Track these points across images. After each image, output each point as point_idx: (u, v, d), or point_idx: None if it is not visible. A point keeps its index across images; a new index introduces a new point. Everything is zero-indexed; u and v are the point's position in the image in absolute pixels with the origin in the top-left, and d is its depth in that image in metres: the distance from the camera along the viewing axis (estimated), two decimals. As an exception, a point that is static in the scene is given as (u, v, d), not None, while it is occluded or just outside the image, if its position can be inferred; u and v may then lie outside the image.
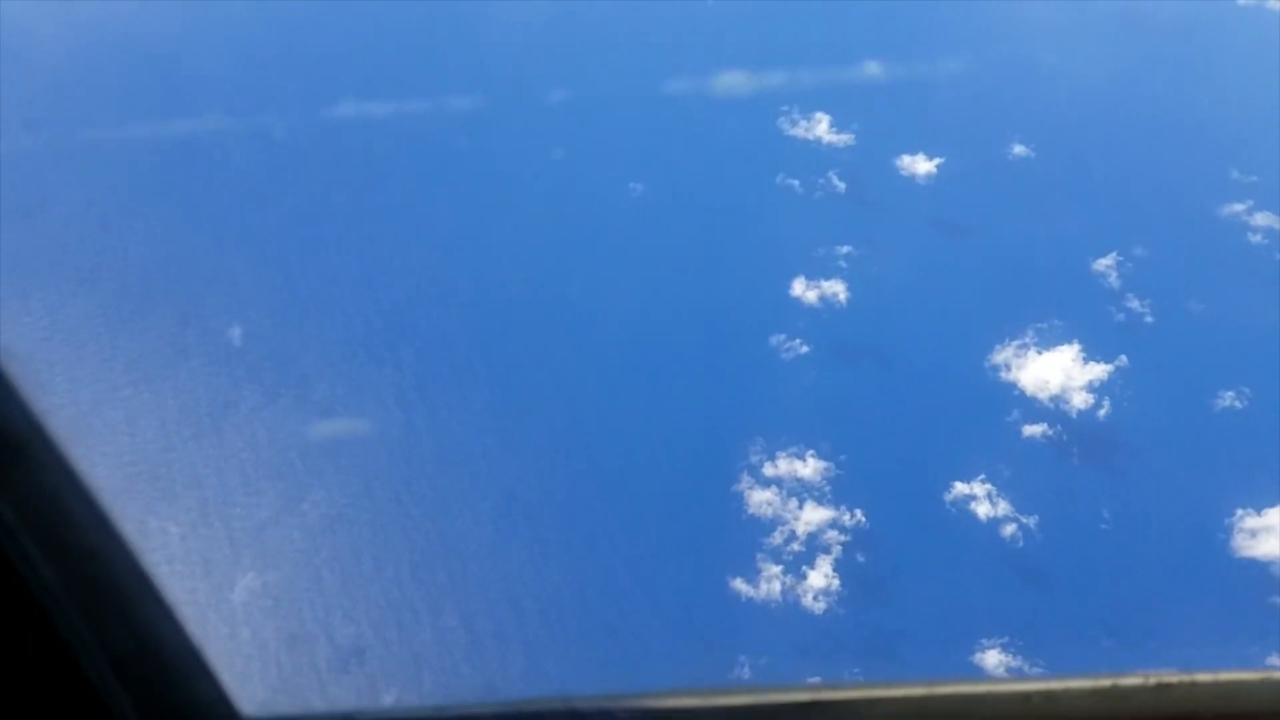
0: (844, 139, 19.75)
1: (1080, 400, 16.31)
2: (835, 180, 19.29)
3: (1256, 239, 18.25)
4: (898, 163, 19.50)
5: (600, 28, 21.21)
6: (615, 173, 18.73)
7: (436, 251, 17.15)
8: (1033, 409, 15.97)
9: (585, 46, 20.64)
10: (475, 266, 17.25)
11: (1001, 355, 16.72)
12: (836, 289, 17.84)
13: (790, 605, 13.28)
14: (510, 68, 20.11)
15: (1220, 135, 19.19)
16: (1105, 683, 1.41)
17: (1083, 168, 19.26)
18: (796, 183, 19.12)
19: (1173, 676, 1.41)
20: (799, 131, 19.96)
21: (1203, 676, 1.41)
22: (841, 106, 19.82)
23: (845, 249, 17.98)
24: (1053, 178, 19.22)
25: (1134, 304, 17.46)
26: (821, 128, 20.17)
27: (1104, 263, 17.90)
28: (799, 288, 17.98)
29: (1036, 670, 12.77)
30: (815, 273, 17.80)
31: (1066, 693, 1.42)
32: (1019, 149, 19.49)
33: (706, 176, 19.12)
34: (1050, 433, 15.70)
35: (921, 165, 19.64)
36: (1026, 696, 1.39)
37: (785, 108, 19.94)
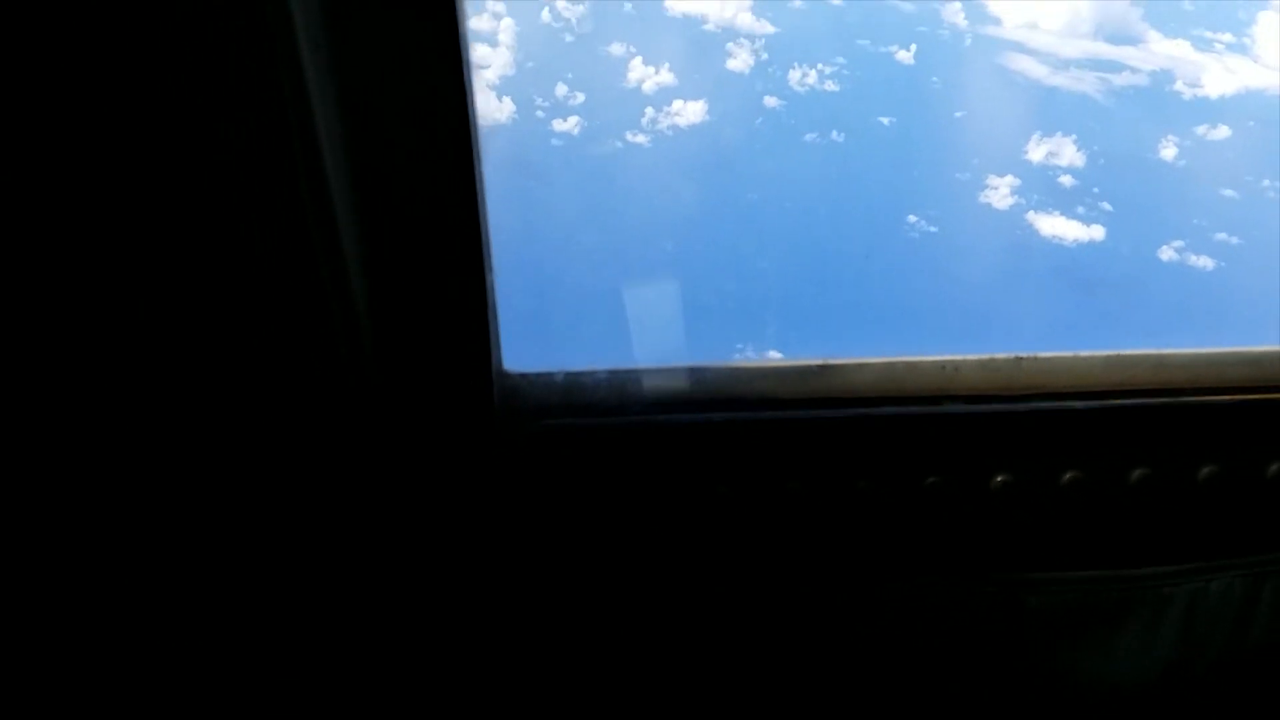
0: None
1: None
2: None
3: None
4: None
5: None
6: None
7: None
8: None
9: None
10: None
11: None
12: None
13: None
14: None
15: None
16: (986, 356, 2.48)
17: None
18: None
19: (1027, 354, 2.49)
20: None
21: (1047, 354, 2.48)
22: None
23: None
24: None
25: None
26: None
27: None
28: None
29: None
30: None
31: (964, 363, 2.48)
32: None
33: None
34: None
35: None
36: (941, 366, 2.45)
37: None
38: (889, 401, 2.33)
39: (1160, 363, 2.40)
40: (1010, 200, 22.13)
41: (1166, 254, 21.86)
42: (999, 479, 2.29)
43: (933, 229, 22.79)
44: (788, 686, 2.32)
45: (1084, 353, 2.45)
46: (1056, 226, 22.31)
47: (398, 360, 2.10)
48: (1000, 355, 2.42)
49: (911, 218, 23.18)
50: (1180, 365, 2.39)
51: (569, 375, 2.27)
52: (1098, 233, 21.89)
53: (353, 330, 1.98)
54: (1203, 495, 2.33)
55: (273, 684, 2.35)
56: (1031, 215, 22.29)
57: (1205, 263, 22.36)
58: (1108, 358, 2.41)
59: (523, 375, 2.27)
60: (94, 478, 2.08)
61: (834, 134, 20.58)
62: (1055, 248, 22.13)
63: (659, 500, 2.25)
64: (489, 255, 2.11)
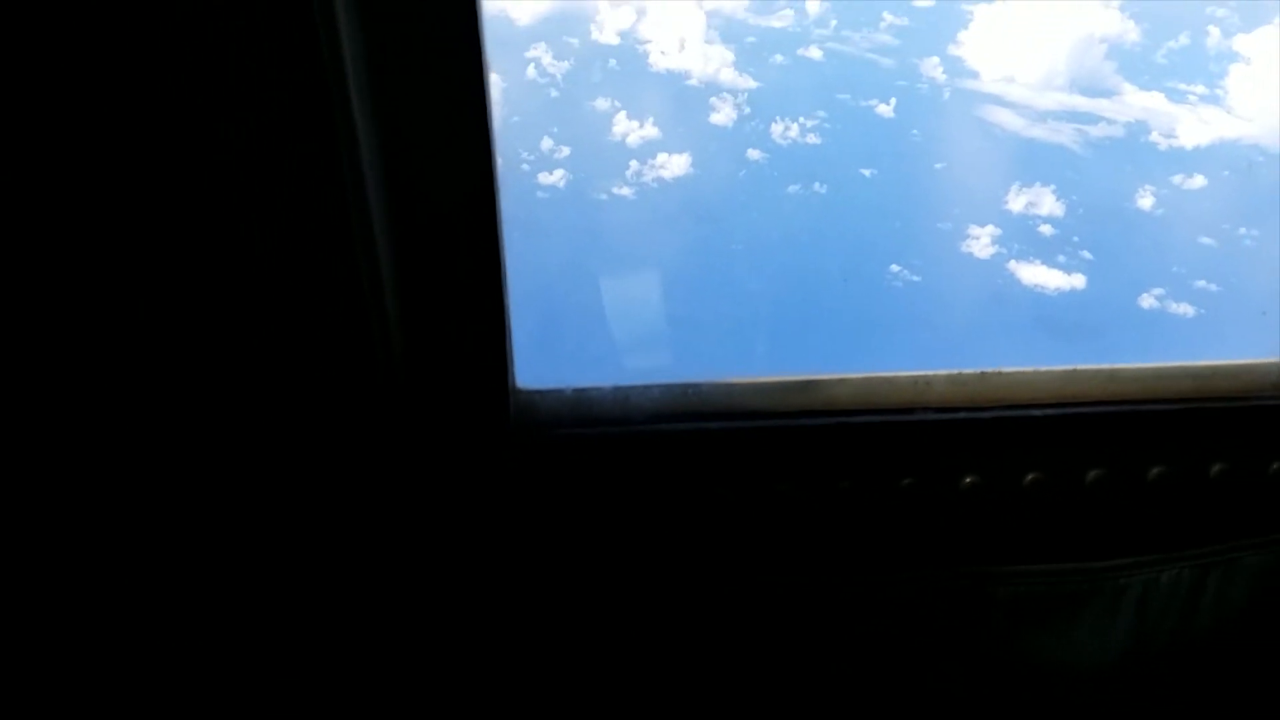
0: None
1: None
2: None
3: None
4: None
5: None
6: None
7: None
8: None
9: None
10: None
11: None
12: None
13: None
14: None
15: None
16: (955, 371, 2.73)
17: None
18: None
19: (992, 369, 2.74)
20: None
21: (1010, 369, 2.72)
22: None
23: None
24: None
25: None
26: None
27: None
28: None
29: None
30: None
31: (935, 378, 2.73)
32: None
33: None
34: None
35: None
36: (914, 381, 2.70)
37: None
38: (867, 412, 2.58)
39: (1113, 376, 2.65)
40: (991, 250, 22.43)
41: (1147, 301, 22.16)
42: (967, 480, 2.54)
43: (915, 278, 23.09)
44: (776, 669, 2.56)
45: (1044, 368, 2.69)
46: (1038, 275, 22.58)
47: (425, 378, 2.35)
48: (968, 370, 2.65)
49: (894, 267, 23.45)
50: (1131, 378, 2.64)
51: (577, 390, 2.52)
52: (1078, 281, 22.18)
53: (386, 352, 2.23)
54: (1153, 494, 2.58)
55: (286, 683, 2.56)
56: (1013, 264, 22.57)
57: (1185, 310, 22.65)
58: (1065, 372, 2.65)
59: (535, 391, 2.51)
60: (127, 473, 2.29)
61: (816, 186, 20.94)
62: (1037, 296, 22.44)
63: (660, 501, 2.50)
64: (506, 286, 2.37)
